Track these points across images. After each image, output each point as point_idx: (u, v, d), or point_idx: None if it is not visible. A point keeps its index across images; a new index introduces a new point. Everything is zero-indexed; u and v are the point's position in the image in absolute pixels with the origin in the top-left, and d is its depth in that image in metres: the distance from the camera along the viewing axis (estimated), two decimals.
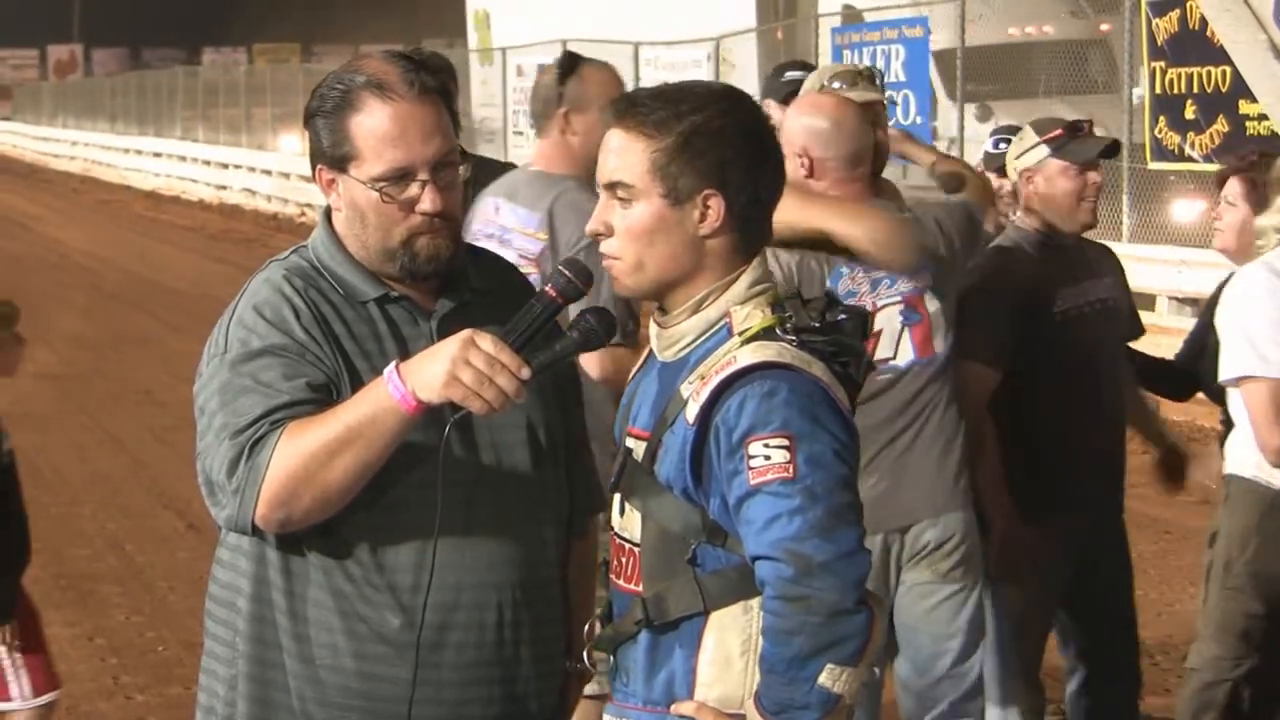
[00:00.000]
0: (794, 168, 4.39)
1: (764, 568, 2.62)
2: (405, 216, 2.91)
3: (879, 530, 4.41)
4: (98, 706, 6.62)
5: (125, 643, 7.39)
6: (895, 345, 4.47)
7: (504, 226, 4.76)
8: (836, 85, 4.87)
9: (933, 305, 4.52)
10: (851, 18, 18.89)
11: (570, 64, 4.79)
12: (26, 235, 27.20)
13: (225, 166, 34.51)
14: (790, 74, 6.11)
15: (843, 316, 2.76)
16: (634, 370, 2.95)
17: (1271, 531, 4.60)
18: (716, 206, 2.74)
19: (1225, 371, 4.63)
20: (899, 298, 4.47)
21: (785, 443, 2.62)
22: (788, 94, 5.65)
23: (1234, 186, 5.09)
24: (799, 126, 4.48)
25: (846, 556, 2.61)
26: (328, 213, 3.01)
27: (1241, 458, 4.69)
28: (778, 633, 2.61)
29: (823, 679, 2.59)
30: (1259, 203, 4.91)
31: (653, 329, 2.85)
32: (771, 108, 5.74)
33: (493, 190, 4.86)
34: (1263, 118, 12.84)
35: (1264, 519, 4.61)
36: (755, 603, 2.69)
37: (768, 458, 2.62)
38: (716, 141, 2.73)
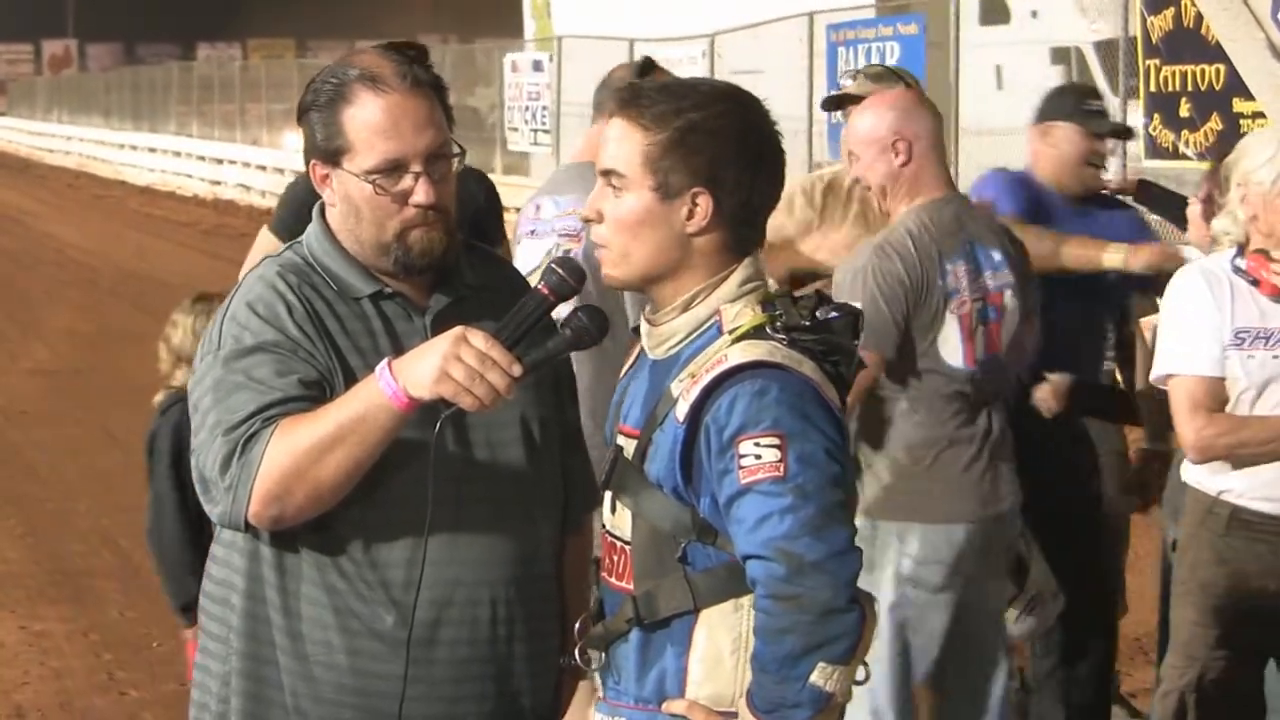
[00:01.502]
0: (886, 161, 4.55)
1: (755, 567, 2.62)
2: (399, 209, 2.91)
3: (979, 516, 4.56)
4: (93, 702, 6.62)
5: (120, 639, 7.39)
6: (970, 342, 4.56)
7: (542, 219, 4.81)
8: (877, 84, 4.90)
9: (1011, 303, 4.66)
10: (994, 8, 17.86)
11: (648, 65, 4.92)
12: (21, 230, 27.16)
13: (220, 162, 34.47)
14: (1093, 102, 5.78)
15: (833, 315, 2.75)
16: (624, 368, 2.96)
17: (1206, 539, 4.58)
18: (705, 205, 2.73)
19: (1154, 370, 4.63)
20: (980, 296, 4.59)
21: (776, 442, 2.61)
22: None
23: None
24: (892, 117, 4.56)
25: (838, 555, 2.61)
26: (322, 209, 3.02)
27: (1188, 465, 4.68)
28: (769, 631, 2.61)
29: (814, 678, 2.59)
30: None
31: (643, 326, 2.84)
32: (1068, 130, 5.55)
33: (538, 191, 4.95)
34: (1257, 115, 12.83)
35: (1200, 527, 4.60)
36: (745, 601, 2.69)
37: (759, 456, 2.61)
38: (712, 141, 2.72)
